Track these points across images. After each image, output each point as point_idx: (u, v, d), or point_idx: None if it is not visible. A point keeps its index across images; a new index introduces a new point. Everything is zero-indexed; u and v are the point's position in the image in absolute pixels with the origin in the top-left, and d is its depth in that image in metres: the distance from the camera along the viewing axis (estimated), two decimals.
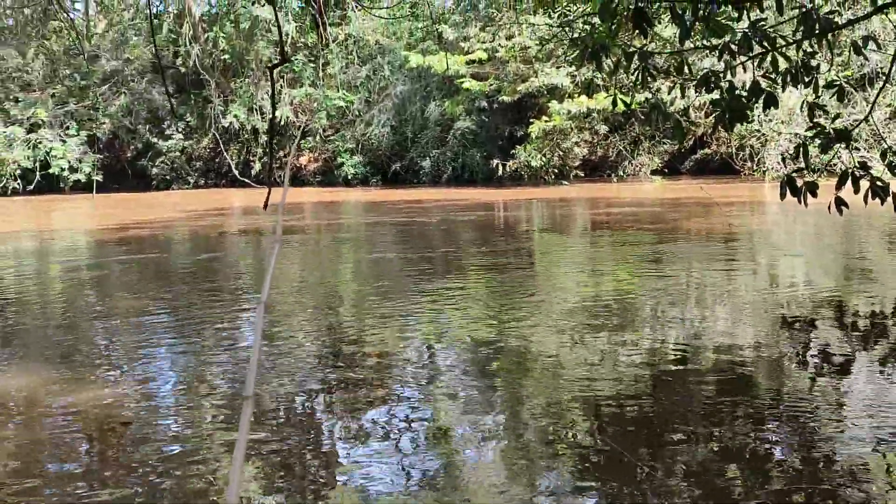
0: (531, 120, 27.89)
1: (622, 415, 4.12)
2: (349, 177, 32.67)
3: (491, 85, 29.31)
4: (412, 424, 4.10)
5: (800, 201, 4.86)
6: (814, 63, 5.21)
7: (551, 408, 4.23)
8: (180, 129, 35.25)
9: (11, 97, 35.37)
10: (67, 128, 34.86)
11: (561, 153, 28.10)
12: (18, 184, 33.99)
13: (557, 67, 27.55)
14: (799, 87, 5.20)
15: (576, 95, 26.19)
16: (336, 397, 4.56)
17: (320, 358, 5.45)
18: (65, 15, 35.35)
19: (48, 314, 7.51)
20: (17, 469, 3.70)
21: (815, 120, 5.17)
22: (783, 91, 5.42)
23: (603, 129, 28.39)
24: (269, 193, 2.78)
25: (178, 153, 35.13)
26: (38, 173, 34.11)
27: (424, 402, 4.44)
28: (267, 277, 1.60)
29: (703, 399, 4.34)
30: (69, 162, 34.17)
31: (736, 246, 10.60)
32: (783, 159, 24.24)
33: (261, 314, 1.51)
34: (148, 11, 37.31)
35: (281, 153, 34.30)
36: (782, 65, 5.05)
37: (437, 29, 31.96)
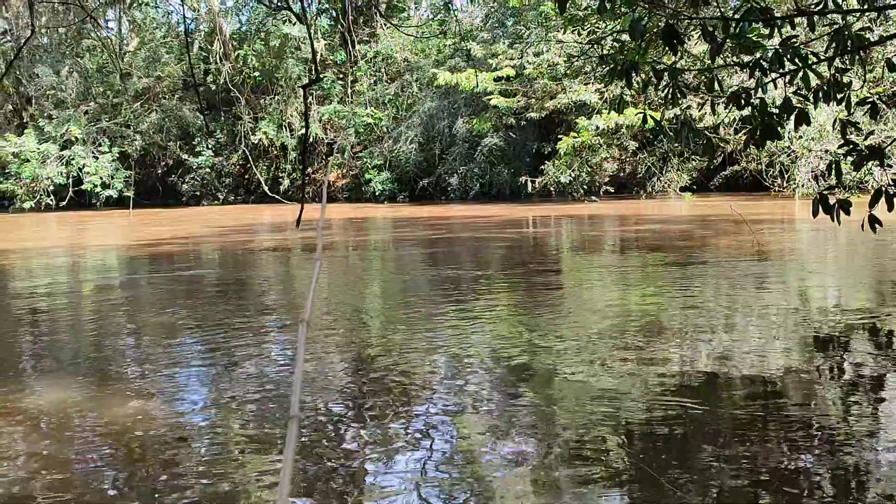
0: (559, 136, 27.89)
1: (653, 436, 4.09)
2: (377, 193, 32.81)
3: (519, 101, 29.35)
4: (439, 445, 4.09)
5: (832, 219, 4.81)
6: (846, 80, 5.17)
7: (580, 429, 4.21)
8: (210, 146, 35.62)
9: (46, 114, 35.93)
10: (100, 144, 35.33)
11: (589, 169, 28.06)
12: (51, 200, 34.48)
13: (585, 84, 27.55)
14: (831, 103, 5.16)
15: (604, 111, 26.15)
16: (363, 416, 4.56)
17: (347, 376, 5.46)
18: (98, 34, 35.96)
19: (80, 330, 7.58)
20: (52, 484, 3.73)
21: (848, 137, 5.12)
22: (815, 108, 5.38)
23: (632, 145, 28.34)
24: (301, 210, 2.80)
25: (208, 169, 35.48)
26: (70, 189, 34.60)
27: (452, 423, 4.43)
28: (309, 296, 1.61)
29: (735, 421, 4.29)
30: (101, 178, 34.63)
31: (767, 265, 10.51)
32: (815, 177, 24.07)
33: (303, 333, 1.52)
34: (181, 29, 37.79)
35: (309, 170, 34.52)
36: (814, 81, 5.01)
37: (465, 46, 32.09)
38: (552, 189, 28.36)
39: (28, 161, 34.17)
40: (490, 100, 29.22)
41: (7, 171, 34.85)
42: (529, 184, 28.70)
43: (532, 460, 3.80)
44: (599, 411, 4.44)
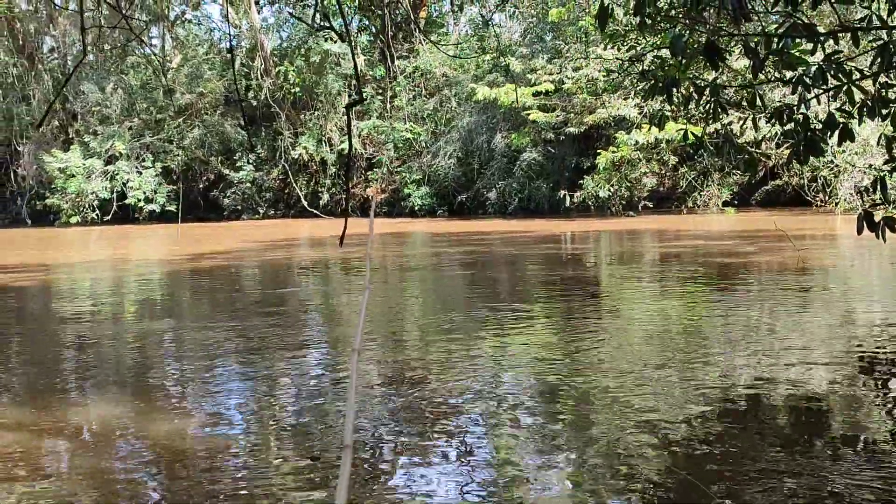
0: (598, 151, 27.80)
1: (695, 448, 4.05)
2: (416, 208, 32.91)
3: (558, 116, 29.30)
4: (477, 456, 4.09)
5: (878, 236, 4.75)
6: (891, 95, 5.11)
7: (620, 441, 4.18)
8: (251, 161, 36.00)
9: (91, 130, 36.58)
10: (143, 160, 35.87)
11: (629, 184, 27.91)
12: (97, 214, 35.07)
13: (625, 98, 27.44)
14: (875, 119, 5.10)
15: (644, 126, 26.00)
16: (400, 430, 4.57)
17: (386, 397, 5.48)
18: (143, 51, 36.59)
19: (123, 346, 7.68)
20: (95, 498, 3.78)
21: (894, 153, 5.06)
22: (859, 124, 5.32)
23: (672, 159, 28.15)
24: (344, 230, 2.83)
25: (248, 184, 35.86)
26: (115, 204, 35.15)
27: (490, 436, 4.42)
28: (359, 325, 1.63)
29: (778, 435, 4.24)
30: (144, 193, 35.15)
31: (810, 282, 10.38)
32: (858, 192, 23.71)
33: (355, 362, 1.54)
34: (223, 46, 38.30)
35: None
36: (858, 97, 4.96)
37: (503, 61, 32.14)
38: (591, 204, 28.23)
39: (73, 176, 34.81)
40: (529, 114, 29.20)
41: (53, 186, 35.53)
42: (568, 198, 28.61)
43: (572, 472, 3.78)
44: (641, 422, 4.40)
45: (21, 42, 37.81)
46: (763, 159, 25.92)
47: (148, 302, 10.83)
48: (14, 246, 23.15)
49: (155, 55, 37.09)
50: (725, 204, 28.12)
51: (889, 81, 5.17)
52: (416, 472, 3.96)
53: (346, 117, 34.34)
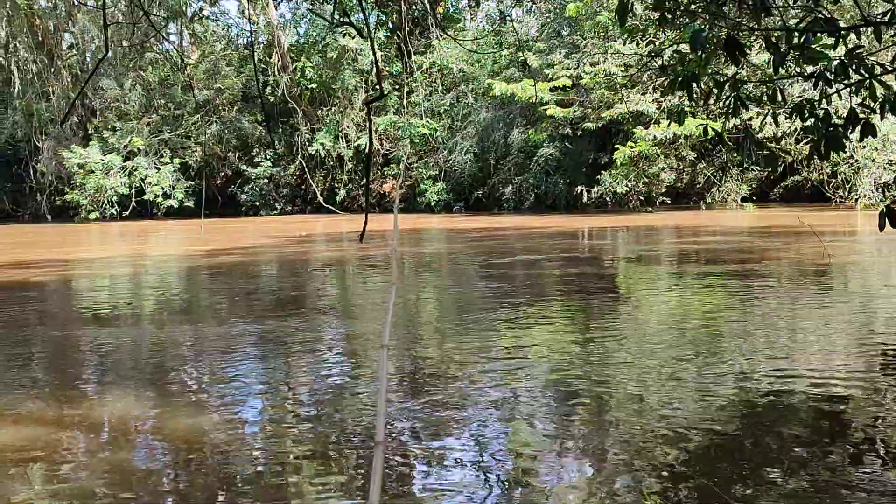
0: (616, 146, 27.68)
1: (711, 447, 4.03)
2: (432, 204, 32.89)
3: (575, 111, 29.20)
4: (493, 453, 4.08)
5: None
6: None
7: (637, 439, 4.17)
8: (268, 157, 36.10)
9: (110, 126, 36.76)
10: (162, 156, 36.04)
11: (647, 179, 27.79)
12: (115, 210, 35.26)
13: (643, 93, 27.31)
14: None
15: (662, 121, 25.86)
16: (417, 426, 4.57)
17: (403, 388, 5.48)
18: (161, 47, 36.73)
19: (141, 343, 7.72)
20: (112, 490, 3.80)
21: None
22: (881, 119, 5.26)
23: (690, 155, 28.01)
24: (364, 227, 2.84)
25: (266, 180, 35.96)
26: (133, 200, 35.34)
27: (506, 432, 4.42)
28: (387, 322, 1.63)
29: (797, 433, 4.21)
30: (163, 189, 35.33)
31: (833, 279, 10.30)
32: (879, 188, 23.53)
33: (384, 357, 1.54)
34: (240, 42, 38.42)
35: (363, 181, 34.78)
36: (880, 92, 4.91)
37: (521, 56, 32.05)
38: (608, 200, 28.14)
39: (93, 172, 35.02)
40: (546, 110, 29.12)
41: (72, 181, 35.75)
42: (585, 194, 28.53)
43: (588, 470, 3.77)
44: (658, 421, 4.38)
45: (40, 38, 38.05)
46: (783, 155, 25.78)
47: (173, 298, 10.88)
48: (35, 242, 23.32)
49: (176, 50, 37.24)
50: (744, 200, 27.98)
51: None
52: (434, 471, 3.96)
53: (362, 113, 34.42)
